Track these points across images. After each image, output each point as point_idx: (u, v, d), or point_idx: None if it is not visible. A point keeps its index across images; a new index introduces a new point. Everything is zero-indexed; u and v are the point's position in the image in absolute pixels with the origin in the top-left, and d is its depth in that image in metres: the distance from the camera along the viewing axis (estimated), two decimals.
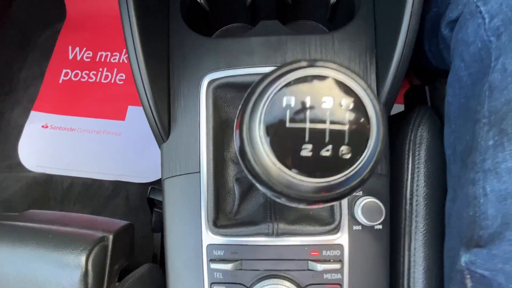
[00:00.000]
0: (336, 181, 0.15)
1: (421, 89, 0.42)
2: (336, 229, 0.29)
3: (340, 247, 0.29)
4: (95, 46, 0.86)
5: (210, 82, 0.31)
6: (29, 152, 0.76)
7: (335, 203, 0.28)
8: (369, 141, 0.15)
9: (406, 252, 0.31)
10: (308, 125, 0.14)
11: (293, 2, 0.40)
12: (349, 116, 0.14)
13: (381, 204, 0.28)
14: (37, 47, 0.87)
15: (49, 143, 0.76)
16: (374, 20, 0.33)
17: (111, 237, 0.34)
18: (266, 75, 0.16)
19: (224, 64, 0.32)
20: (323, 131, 0.14)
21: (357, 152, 0.15)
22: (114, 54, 0.86)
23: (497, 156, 0.23)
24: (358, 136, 0.14)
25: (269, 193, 0.16)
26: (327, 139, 0.14)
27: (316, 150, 0.15)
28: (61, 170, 0.73)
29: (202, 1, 0.39)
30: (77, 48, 0.86)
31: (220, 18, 0.43)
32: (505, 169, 0.22)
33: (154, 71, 0.31)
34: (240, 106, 0.17)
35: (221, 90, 0.32)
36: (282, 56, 0.32)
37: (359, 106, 0.15)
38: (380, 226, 0.29)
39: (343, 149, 0.14)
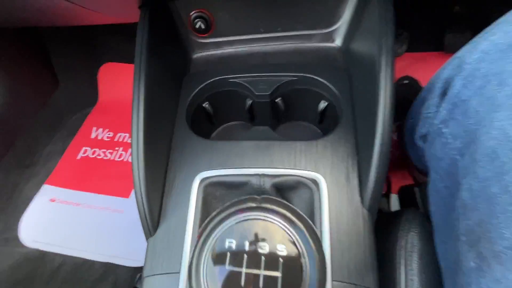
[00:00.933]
0: None
1: (412, 190, 0.43)
2: None
3: None
4: (116, 127, 0.96)
5: (202, 180, 0.34)
6: (30, 226, 0.76)
7: None
8: None
9: None
10: (244, 270, 0.15)
11: (286, 108, 0.45)
12: (283, 262, 0.15)
13: None
14: (65, 126, 0.97)
15: (52, 218, 0.77)
16: (355, 130, 0.37)
17: None
18: (221, 210, 0.18)
19: (217, 163, 0.35)
20: (257, 277, 0.15)
21: None
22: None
23: (479, 282, 0.22)
24: (292, 283, 0.15)
25: None
26: (261, 285, 0.15)
27: None
28: (56, 247, 0.72)
29: (207, 106, 0.45)
30: (100, 129, 0.96)
31: (222, 118, 0.49)
32: None
33: (152, 166, 0.34)
34: (197, 237, 0.18)
35: (211, 188, 0.34)
36: (270, 159, 0.35)
37: (295, 250, 0.15)
38: None
39: None
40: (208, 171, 0.34)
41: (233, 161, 0.35)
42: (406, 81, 0.81)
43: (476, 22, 0.78)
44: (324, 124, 0.46)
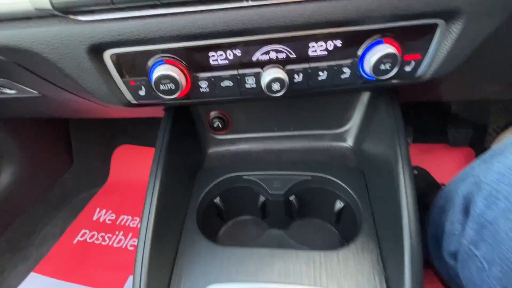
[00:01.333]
0: None
1: None
2: None
3: None
4: (120, 209, 0.93)
5: None
6: None
7: None
8: None
9: None
10: None
11: (300, 206, 0.44)
12: None
13: None
14: (69, 206, 0.94)
15: None
16: (377, 237, 0.34)
17: None
18: None
19: (229, 274, 0.32)
20: None
21: None
22: (134, 218, 0.91)
23: None
24: None
25: None
26: None
27: None
28: None
29: (219, 202, 0.43)
30: (104, 210, 0.93)
31: (233, 213, 0.47)
32: None
33: (157, 270, 0.31)
34: None
35: None
36: (286, 273, 0.31)
37: None
38: None
39: None
40: (219, 286, 0.31)
41: (246, 272, 0.31)
42: (415, 172, 0.81)
43: (475, 117, 0.83)
44: (341, 224, 0.44)
